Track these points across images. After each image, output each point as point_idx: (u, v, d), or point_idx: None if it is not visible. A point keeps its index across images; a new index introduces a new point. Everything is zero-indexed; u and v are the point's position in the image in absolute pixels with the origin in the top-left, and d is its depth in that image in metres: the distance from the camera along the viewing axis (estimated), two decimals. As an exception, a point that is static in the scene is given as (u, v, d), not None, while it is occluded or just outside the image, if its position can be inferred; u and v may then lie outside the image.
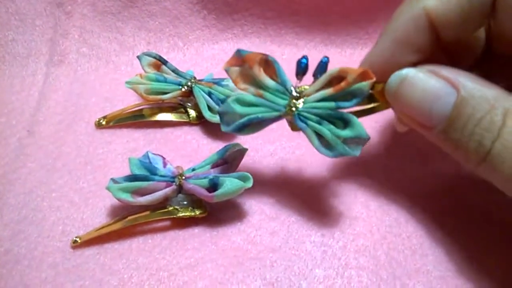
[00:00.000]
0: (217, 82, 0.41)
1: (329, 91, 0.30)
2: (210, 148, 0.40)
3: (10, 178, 0.38)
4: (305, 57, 0.31)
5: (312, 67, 0.31)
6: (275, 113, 0.31)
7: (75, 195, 0.37)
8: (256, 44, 0.48)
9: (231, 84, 0.41)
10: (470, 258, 0.32)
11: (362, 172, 0.38)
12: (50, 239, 0.34)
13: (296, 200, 0.36)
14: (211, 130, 0.41)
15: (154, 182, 0.34)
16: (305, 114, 0.30)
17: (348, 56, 0.47)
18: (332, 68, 0.30)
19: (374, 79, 0.29)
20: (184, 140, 0.41)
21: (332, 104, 0.30)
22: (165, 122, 0.42)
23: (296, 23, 0.47)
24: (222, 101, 0.40)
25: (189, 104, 0.41)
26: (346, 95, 0.30)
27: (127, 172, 0.37)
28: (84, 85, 0.45)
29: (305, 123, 0.30)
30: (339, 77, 0.30)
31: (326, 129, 0.30)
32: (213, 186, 0.33)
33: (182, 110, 0.42)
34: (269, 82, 0.31)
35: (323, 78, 0.31)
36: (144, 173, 0.35)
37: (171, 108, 0.42)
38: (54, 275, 0.32)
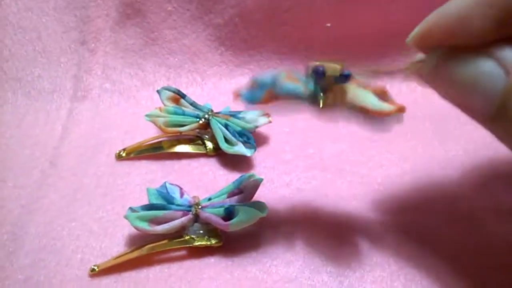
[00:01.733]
0: (234, 114, 0.42)
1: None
2: (226, 179, 0.41)
3: (32, 208, 0.39)
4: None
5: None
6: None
7: (94, 225, 0.37)
8: (272, 78, 0.49)
9: (247, 116, 0.42)
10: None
11: (378, 202, 0.38)
12: (68, 268, 0.35)
13: (312, 230, 0.36)
14: (227, 161, 0.42)
15: (171, 211, 0.35)
16: None
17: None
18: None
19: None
20: (201, 172, 0.41)
21: None
22: (182, 154, 0.43)
23: (310, 58, 0.48)
24: (239, 133, 0.41)
25: (206, 136, 0.42)
26: None
27: (145, 202, 0.38)
28: (106, 119, 0.47)
29: None
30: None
31: None
32: (229, 214, 0.34)
33: (200, 142, 0.43)
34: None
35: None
36: (162, 202, 0.36)
37: (189, 140, 0.43)
38: (71, 303, 0.33)
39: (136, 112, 0.48)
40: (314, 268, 0.34)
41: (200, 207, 0.35)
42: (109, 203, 0.39)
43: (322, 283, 0.33)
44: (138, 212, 0.35)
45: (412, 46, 0.25)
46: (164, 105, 0.43)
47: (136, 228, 0.34)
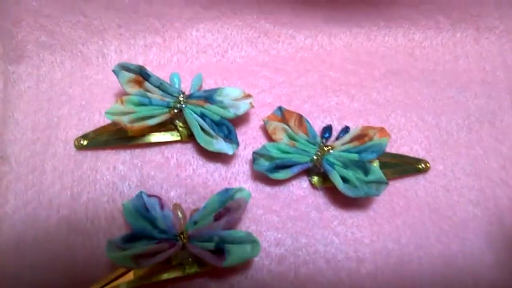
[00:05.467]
0: (209, 96, 0.36)
1: (353, 144, 0.35)
2: (206, 171, 0.37)
3: (-5, 219, 0.35)
4: (329, 125, 0.37)
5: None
6: (306, 158, 0.35)
7: (71, 241, 0.35)
8: (248, 23, 0.41)
9: (225, 99, 0.36)
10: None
11: (366, 213, 0.37)
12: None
13: (302, 239, 0.35)
14: (204, 148, 0.37)
15: (156, 244, 0.32)
16: (332, 160, 0.35)
17: (354, 35, 0.41)
18: (354, 128, 0.36)
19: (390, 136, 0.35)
20: (177, 163, 0.37)
21: (355, 155, 0.35)
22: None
23: (294, -1, 0.40)
24: (217, 123, 0.36)
25: (179, 123, 0.37)
26: (368, 149, 0.35)
27: (119, 206, 0.35)
28: (53, 87, 0.39)
29: (332, 167, 0.34)
30: (361, 135, 0.36)
31: (351, 173, 0.34)
32: (219, 249, 0.32)
33: (172, 126, 0.37)
34: (302, 135, 0.36)
35: (348, 136, 0.36)
36: (142, 222, 0.33)
37: (159, 125, 0.37)
38: None
39: (87, 75, 0.40)
40: (304, 281, 0.34)
41: (187, 237, 0.32)
42: (80, 211, 0.36)
43: (314, 300, 0.34)
44: (118, 245, 0.32)
45: None
46: (125, 90, 0.35)
47: (121, 266, 0.32)
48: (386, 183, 0.34)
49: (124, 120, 0.34)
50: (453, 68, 0.40)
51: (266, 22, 0.41)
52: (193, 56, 0.41)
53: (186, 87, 0.38)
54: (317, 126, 0.38)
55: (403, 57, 0.41)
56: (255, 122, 0.39)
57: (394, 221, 0.36)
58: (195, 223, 0.33)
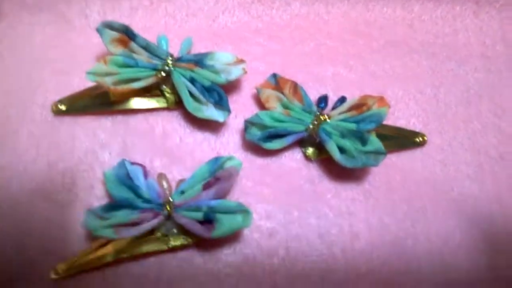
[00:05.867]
0: (200, 60, 0.34)
1: (351, 113, 0.34)
2: (194, 141, 0.35)
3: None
4: (325, 95, 0.35)
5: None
6: (301, 127, 0.33)
7: (47, 212, 0.32)
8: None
9: (216, 63, 0.34)
10: None
11: (362, 186, 0.35)
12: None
13: (294, 212, 0.33)
14: (192, 115, 0.35)
15: (139, 213, 0.30)
16: (329, 129, 0.33)
17: (352, 4, 0.39)
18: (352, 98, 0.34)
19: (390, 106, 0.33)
20: (162, 132, 0.35)
21: (353, 125, 0.33)
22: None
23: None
24: (207, 89, 0.34)
25: (166, 87, 0.35)
26: (366, 118, 0.33)
27: (99, 177, 0.33)
28: (31, 50, 0.36)
29: (329, 137, 0.32)
30: (359, 105, 0.34)
31: (349, 143, 0.32)
32: (208, 219, 0.30)
33: (158, 92, 0.35)
34: (297, 103, 0.34)
35: (345, 105, 0.34)
36: (124, 191, 0.31)
37: (145, 90, 0.35)
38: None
39: (69, 37, 0.37)
40: (297, 257, 0.32)
41: (173, 206, 0.30)
42: (57, 180, 0.33)
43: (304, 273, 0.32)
44: (98, 213, 0.30)
45: None
46: (109, 51, 0.33)
47: (100, 237, 0.30)
48: (385, 154, 0.32)
49: (107, 81, 0.32)
50: (453, 41, 0.39)
51: (259, -2, 0.39)
52: (182, 19, 0.38)
53: (175, 51, 0.35)
54: (312, 96, 0.36)
55: (402, 28, 0.39)
56: (247, 91, 0.37)
57: (391, 195, 0.34)
58: (182, 192, 0.31)
